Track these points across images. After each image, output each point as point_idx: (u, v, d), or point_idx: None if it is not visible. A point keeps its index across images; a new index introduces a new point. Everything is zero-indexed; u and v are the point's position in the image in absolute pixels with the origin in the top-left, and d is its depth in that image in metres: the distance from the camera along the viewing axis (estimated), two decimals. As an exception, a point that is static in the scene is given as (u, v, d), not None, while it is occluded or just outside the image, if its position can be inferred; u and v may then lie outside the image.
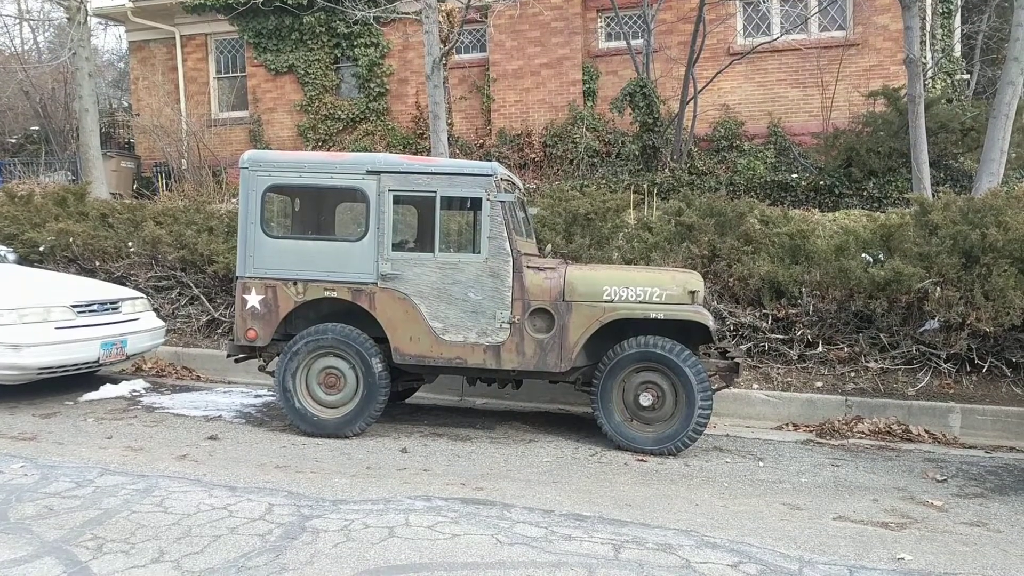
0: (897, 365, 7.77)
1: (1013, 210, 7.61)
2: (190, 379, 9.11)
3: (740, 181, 15.23)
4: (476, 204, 6.58)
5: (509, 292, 6.40)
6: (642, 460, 6.22)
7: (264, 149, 19.10)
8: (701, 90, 15.27)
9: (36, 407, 7.44)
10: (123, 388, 8.18)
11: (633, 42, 16.27)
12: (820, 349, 7.91)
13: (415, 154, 18.29)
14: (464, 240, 7.17)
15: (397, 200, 6.56)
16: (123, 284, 9.57)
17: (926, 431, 7.20)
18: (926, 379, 7.64)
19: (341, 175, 6.56)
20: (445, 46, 13.26)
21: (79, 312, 7.69)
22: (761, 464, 6.24)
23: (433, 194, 6.47)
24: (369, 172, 6.51)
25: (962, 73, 17.34)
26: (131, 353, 8.19)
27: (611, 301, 6.38)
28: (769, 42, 15.83)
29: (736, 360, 6.56)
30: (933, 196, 11.67)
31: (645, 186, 14.92)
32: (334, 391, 6.64)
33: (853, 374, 7.85)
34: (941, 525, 4.99)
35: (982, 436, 7.21)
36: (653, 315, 6.29)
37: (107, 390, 8.06)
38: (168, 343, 9.46)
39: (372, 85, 18.65)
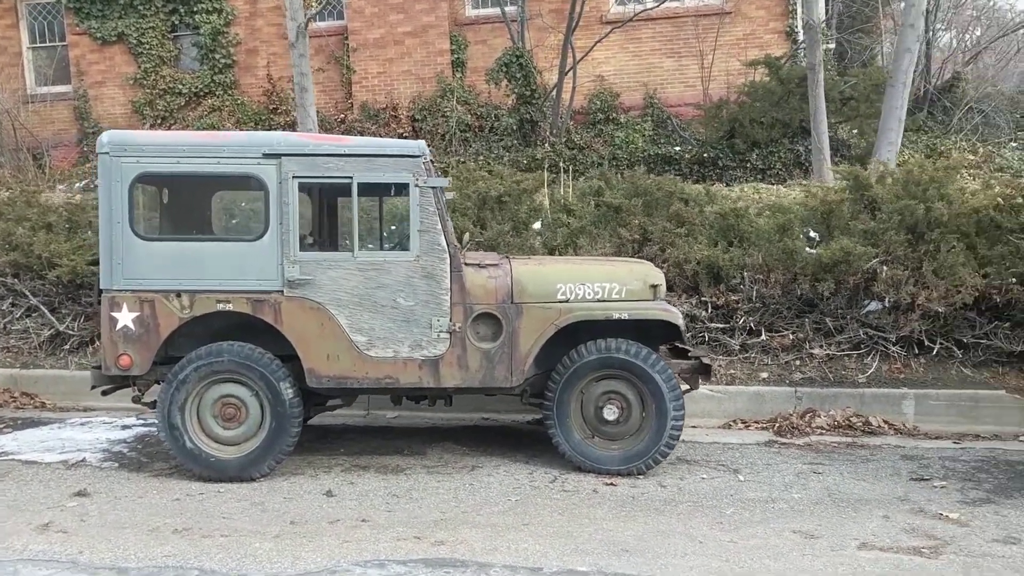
0: (844, 351, 7.27)
1: (952, 182, 7.23)
2: (32, 407, 7.56)
3: (622, 155, 14.66)
4: (401, 191, 5.49)
5: (447, 295, 5.38)
6: (611, 484, 5.38)
7: (96, 127, 17.00)
8: (580, 59, 14.55)
9: None
10: (-51, 428, 6.61)
11: (505, 8, 15.31)
12: (763, 337, 7.31)
13: (269, 131, 16.75)
14: (389, 235, 6.07)
15: (303, 189, 5.39)
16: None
17: (885, 422, 6.74)
18: (875, 364, 7.17)
19: (230, 160, 5.32)
20: (307, 11, 11.89)
21: None
22: (741, 478, 5.53)
23: (348, 180, 5.34)
24: (266, 156, 5.31)
25: (828, 42, 17.37)
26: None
27: (566, 301, 5.47)
28: (644, 10, 15.25)
29: (702, 360, 5.79)
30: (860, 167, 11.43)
31: (525, 162, 14.11)
32: (234, 424, 5.43)
33: (799, 362, 7.30)
34: (975, 546, 4.41)
35: (937, 422, 6.80)
36: (616, 316, 5.43)
37: (-72, 433, 6.49)
38: (1, 364, 7.87)
39: (217, 56, 16.86)
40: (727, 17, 15.74)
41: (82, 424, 6.93)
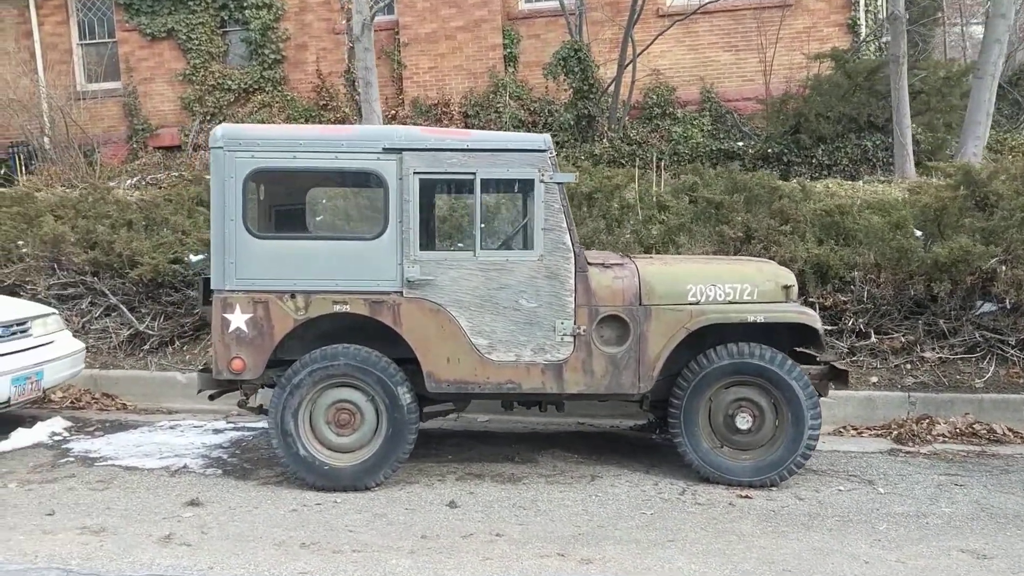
0: (958, 354, 6.94)
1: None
2: (115, 409, 7.37)
3: (683, 151, 14.34)
4: (526, 187, 5.23)
5: (571, 297, 5.11)
6: (746, 496, 5.10)
7: (145, 124, 16.90)
8: (640, 53, 14.22)
9: (-71, 469, 5.67)
10: (39, 431, 6.42)
11: (564, 1, 15.01)
12: (872, 339, 6.99)
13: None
14: (511, 234, 5.80)
15: (425, 185, 5.13)
16: (15, 295, 7.69)
17: (1010, 430, 6.41)
18: (992, 368, 6.84)
19: (349, 155, 5.08)
20: (373, 4, 11.64)
21: (-20, 340, 5.91)
22: (881, 490, 5.23)
23: (472, 176, 5.08)
24: (386, 150, 5.06)
25: (882, 36, 16.95)
26: (47, 387, 6.45)
27: (697, 303, 5.19)
28: (705, 3, 14.91)
29: (833, 365, 5.50)
30: (915, 163, 11.08)
31: (583, 158, 13.81)
32: (347, 431, 5.20)
33: (909, 366, 6.98)
34: None
35: (1063, 429, 6.47)
36: (752, 318, 5.14)
37: (20, 436, 6.29)
38: (81, 365, 7.69)
39: (266, 51, 16.68)
40: (787, 10, 15.35)
41: (171, 428, 6.72)
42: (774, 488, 5.22)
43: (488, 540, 4.47)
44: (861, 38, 15.20)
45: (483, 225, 5.18)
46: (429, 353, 5.12)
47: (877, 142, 13.38)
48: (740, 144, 14.37)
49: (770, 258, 6.96)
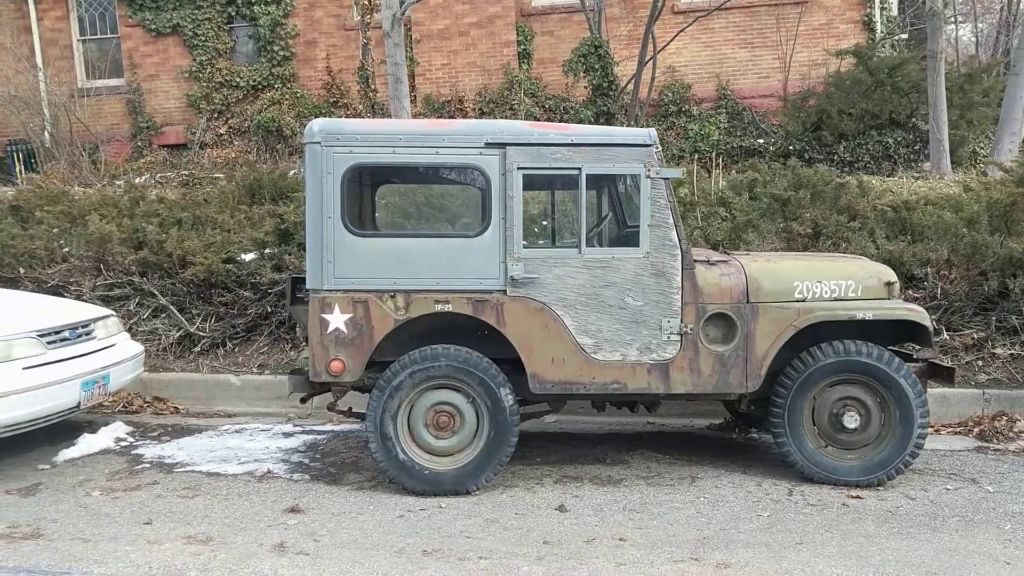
0: (1029, 350, 6.90)
1: None
2: (169, 413, 7.16)
3: (704, 148, 14.30)
4: (632, 183, 5.11)
5: (678, 295, 5.00)
6: (857, 497, 5.01)
7: (149, 121, 16.59)
8: (660, 50, 14.15)
9: (1, 478, 5.44)
10: (104, 437, 6.22)
11: (579, -2, 14.92)
12: (944, 336, 6.94)
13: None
14: (611, 230, 5.69)
15: (528, 181, 4.99)
16: (60, 295, 7.47)
17: (1091, 426, 6.37)
18: (1064, 364, 6.82)
19: (451, 149, 4.93)
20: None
21: (50, 343, 5.70)
22: (991, 489, 5.17)
23: (577, 172, 4.96)
24: (489, 144, 4.92)
25: (901, 33, 17.02)
26: (113, 390, 6.25)
27: (804, 300, 5.10)
28: (720, 1, 14.85)
29: (938, 364, 5.42)
30: (951, 159, 11.10)
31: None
32: (447, 434, 5.06)
33: (980, 363, 6.94)
34: None
35: None
36: (860, 316, 5.05)
37: (86, 442, 6.08)
38: (129, 368, 7.48)
39: (275, 48, 16.44)
40: (803, 7, 15.34)
41: (237, 432, 6.53)
42: (881, 488, 5.14)
43: (614, 545, 4.34)
44: (877, 35, 15.20)
45: (589, 222, 5.03)
46: (533, 353, 4.98)
47: (899, 139, 13.41)
48: (760, 141, 14.35)
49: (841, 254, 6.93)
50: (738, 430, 6.46)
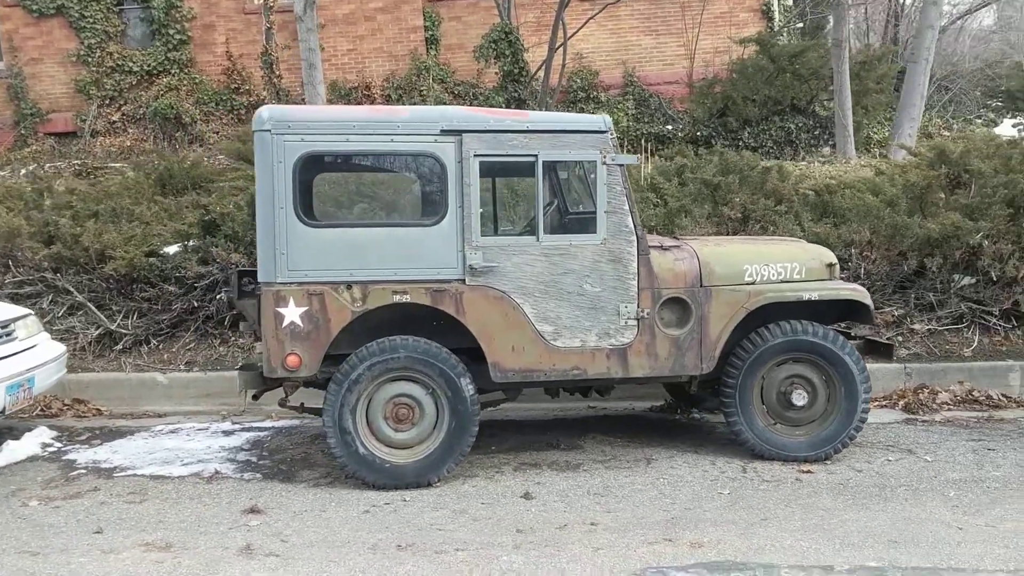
0: (944, 325, 7.28)
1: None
2: (92, 415, 6.82)
3: (616, 133, 14.45)
4: (588, 169, 5.12)
5: (634, 280, 5.05)
6: (807, 471, 5.18)
7: (34, 108, 15.70)
8: (571, 36, 14.24)
9: (-76, 491, 5.09)
10: (29, 443, 5.88)
11: (490, -17, 14.85)
12: (867, 314, 7.23)
13: (232, 112, 15.85)
14: (557, 217, 5.66)
15: (485, 168, 4.95)
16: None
17: (1003, 395, 6.77)
18: (977, 338, 7.21)
19: (406, 136, 4.84)
20: (312, -18, 11.19)
21: (-29, 345, 5.35)
22: (928, 459, 5.42)
23: (533, 159, 4.94)
24: (445, 132, 4.85)
25: (795, 22, 17.60)
26: (38, 393, 5.92)
27: (754, 282, 5.23)
28: (627, -13, 15.05)
29: (878, 340, 5.66)
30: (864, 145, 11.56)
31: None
32: (406, 426, 4.98)
33: (901, 338, 7.27)
34: None
35: (1041, 393, 6.88)
36: (807, 296, 5.22)
37: (11, 450, 5.74)
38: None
39: (171, 32, 15.77)
40: (705, -5, 15.68)
41: (173, 432, 6.28)
42: (828, 462, 5.33)
43: (586, 530, 4.37)
44: (775, 24, 15.69)
45: (558, 208, 5.03)
46: (494, 342, 4.95)
47: (800, 124, 13.86)
48: (669, 127, 14.62)
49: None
50: (680, 411, 6.59)
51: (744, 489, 4.92)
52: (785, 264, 5.31)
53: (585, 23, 14.39)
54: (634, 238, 5.04)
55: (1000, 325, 7.23)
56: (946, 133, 14.09)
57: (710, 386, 5.65)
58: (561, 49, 14.21)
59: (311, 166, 4.98)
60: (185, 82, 15.82)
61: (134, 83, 15.89)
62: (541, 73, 14.39)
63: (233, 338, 7.37)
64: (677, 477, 5.13)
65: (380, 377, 4.90)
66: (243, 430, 6.29)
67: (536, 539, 4.27)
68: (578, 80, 15.51)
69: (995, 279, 7.05)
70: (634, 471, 5.24)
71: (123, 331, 7.26)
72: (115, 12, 15.96)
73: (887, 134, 13.61)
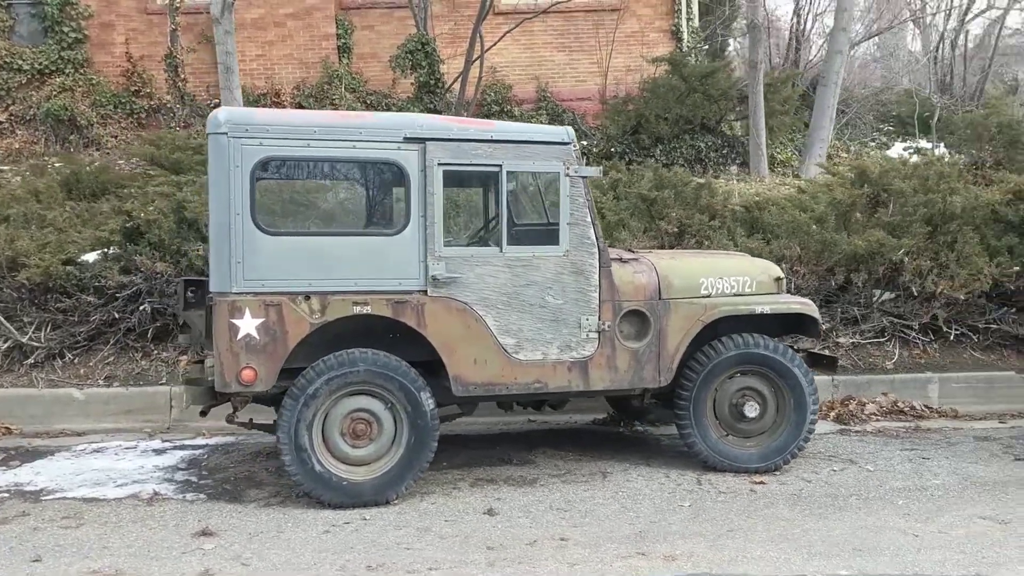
0: (867, 339, 7.55)
1: (957, 178, 7.72)
2: (3, 434, 6.37)
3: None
4: (551, 180, 5.08)
5: (596, 293, 5.04)
6: (759, 482, 5.27)
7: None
8: (488, 49, 14.25)
9: None
10: (-61, 465, 5.44)
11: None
12: (796, 328, 7.44)
13: (131, 116, 15.18)
14: (531, 229, 5.57)
15: (448, 177, 4.85)
16: None
17: (926, 406, 7.07)
18: (897, 351, 7.51)
19: (368, 143, 4.70)
20: (230, -17, 10.85)
21: None
22: (870, 469, 5.58)
23: (497, 169, 4.88)
24: (408, 139, 4.73)
25: (701, 44, 18.07)
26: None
27: (709, 296, 5.30)
28: (543, 5, 15.17)
29: (820, 354, 5.81)
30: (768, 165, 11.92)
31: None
32: (363, 442, 4.82)
33: (827, 351, 7.49)
34: None
35: (957, 403, 7.17)
36: (759, 310, 5.32)
37: (-81, 473, 5.29)
38: (-55, 384, 6.61)
39: (65, 29, 14.99)
40: (617, 14, 15.95)
41: (98, 451, 5.92)
42: (778, 472, 5.43)
43: (557, 546, 4.31)
44: (684, 44, 16.08)
45: (510, 220, 4.97)
46: (455, 355, 4.85)
47: (709, 143, 14.18)
48: (584, 143, 14.77)
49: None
50: (623, 424, 6.62)
51: (704, 501, 4.96)
52: (737, 278, 5.40)
53: (501, 37, 14.42)
54: (596, 250, 5.03)
55: (919, 339, 7.55)
56: (844, 155, 14.74)
57: (656, 398, 5.69)
58: (477, 62, 14.22)
59: (270, 171, 4.78)
60: (81, 83, 15.03)
61: (24, 82, 15.00)
62: (457, 85, 14.35)
63: (156, 351, 7.02)
64: (635, 490, 5.13)
65: (338, 391, 4.72)
66: (175, 448, 5.98)
67: (509, 556, 4.18)
68: (492, 93, 15.51)
69: (915, 294, 7.35)
70: (592, 485, 5.22)
71: (35, 344, 6.81)
72: (3, 7, 15.09)
73: (790, 154, 14.13)
